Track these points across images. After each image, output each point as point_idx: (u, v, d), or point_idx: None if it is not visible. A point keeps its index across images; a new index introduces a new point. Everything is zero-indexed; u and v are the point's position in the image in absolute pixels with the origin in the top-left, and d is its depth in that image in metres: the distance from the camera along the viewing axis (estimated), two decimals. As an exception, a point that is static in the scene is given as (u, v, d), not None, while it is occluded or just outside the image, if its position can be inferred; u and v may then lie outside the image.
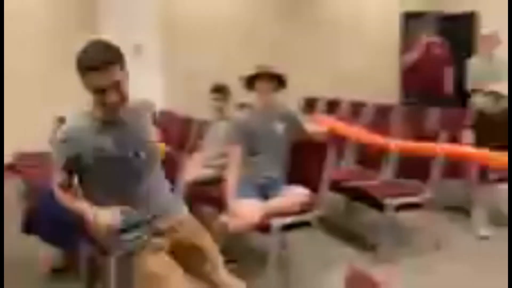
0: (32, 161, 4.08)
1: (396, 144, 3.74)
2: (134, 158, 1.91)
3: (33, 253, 3.22)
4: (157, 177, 2.04)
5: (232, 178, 3.03)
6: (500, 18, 7.21)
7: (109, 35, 5.75)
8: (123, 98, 1.82)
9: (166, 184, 2.12)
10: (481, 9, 7.72)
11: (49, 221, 2.73)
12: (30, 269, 3.18)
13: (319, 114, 5.59)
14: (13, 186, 4.31)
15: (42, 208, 2.78)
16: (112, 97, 1.76)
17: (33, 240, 2.88)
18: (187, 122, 4.77)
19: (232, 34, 7.03)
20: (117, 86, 1.77)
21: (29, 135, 4.63)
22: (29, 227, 2.83)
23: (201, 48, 6.78)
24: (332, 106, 6.24)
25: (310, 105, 6.55)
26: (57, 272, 3.10)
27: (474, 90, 4.78)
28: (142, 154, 1.94)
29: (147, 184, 1.96)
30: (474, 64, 5.11)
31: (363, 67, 7.78)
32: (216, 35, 6.90)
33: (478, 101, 4.27)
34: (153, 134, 2.06)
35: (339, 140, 4.03)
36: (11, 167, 4.40)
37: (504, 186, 3.97)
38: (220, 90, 3.91)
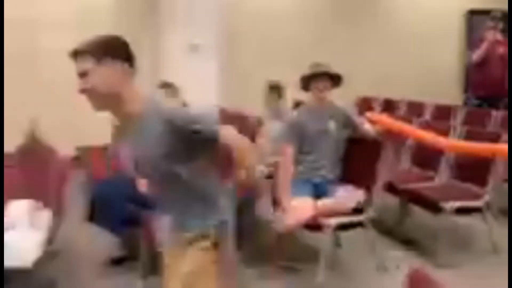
0: (94, 154, 4.28)
1: (454, 144, 3.60)
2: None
3: (94, 242, 3.38)
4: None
5: (284, 177, 3.06)
6: None
7: (169, 34, 5.95)
8: (89, 89, 1.64)
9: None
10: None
11: (108, 211, 2.87)
12: (90, 257, 3.33)
13: (376, 113, 5.49)
14: (76, 177, 4.54)
15: (101, 198, 2.93)
16: (80, 85, 1.67)
17: (96, 230, 3.04)
18: (241, 120, 4.84)
19: (289, 32, 7.05)
20: (84, 76, 1.64)
21: (91, 129, 4.86)
22: (91, 217, 2.99)
23: (259, 47, 6.85)
24: (389, 106, 6.11)
25: (366, 104, 6.44)
26: (116, 261, 3.23)
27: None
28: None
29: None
30: None
31: (422, 65, 7.57)
32: (275, 34, 6.95)
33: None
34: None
35: (395, 140, 3.95)
36: (76, 159, 4.63)
37: None
38: (275, 88, 3.94)
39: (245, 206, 3.58)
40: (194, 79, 5.46)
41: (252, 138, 4.28)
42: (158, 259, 1.96)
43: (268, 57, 6.81)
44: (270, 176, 3.46)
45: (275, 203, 3.07)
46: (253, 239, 3.52)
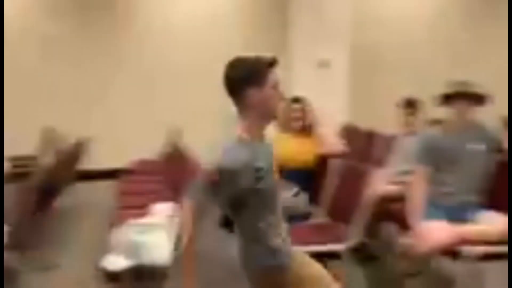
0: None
1: None
2: None
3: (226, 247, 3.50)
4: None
5: (416, 198, 2.90)
6: None
7: (297, 50, 6.05)
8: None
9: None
10: None
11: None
12: (224, 260, 3.44)
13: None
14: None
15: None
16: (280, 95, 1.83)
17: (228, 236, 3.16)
18: (370, 136, 4.74)
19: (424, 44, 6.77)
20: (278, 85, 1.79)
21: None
22: (226, 223, 3.13)
23: (388, 65, 6.69)
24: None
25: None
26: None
27: None
28: None
29: None
30: None
31: None
32: (404, 56, 6.73)
33: None
34: None
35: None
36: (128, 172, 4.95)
37: None
38: (411, 104, 3.79)
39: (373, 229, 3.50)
40: (323, 95, 5.49)
41: (380, 156, 4.16)
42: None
43: (400, 72, 6.60)
44: (398, 198, 3.33)
45: (405, 227, 2.93)
46: (384, 264, 3.42)
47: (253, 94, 1.72)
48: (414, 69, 6.62)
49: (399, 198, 3.33)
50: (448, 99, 2.95)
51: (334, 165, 3.29)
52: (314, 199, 3.34)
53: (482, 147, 2.90)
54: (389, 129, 4.27)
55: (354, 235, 2.81)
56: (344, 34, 5.95)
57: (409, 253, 2.77)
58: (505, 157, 2.96)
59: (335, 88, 5.92)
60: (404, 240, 2.95)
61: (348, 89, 6.02)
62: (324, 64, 5.94)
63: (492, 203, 2.88)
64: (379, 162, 4.16)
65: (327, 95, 5.65)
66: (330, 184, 3.19)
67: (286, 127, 3.65)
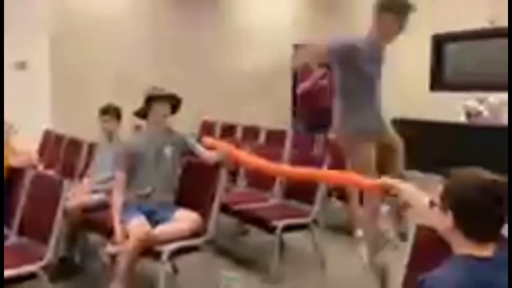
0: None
1: (282, 170, 3.74)
2: None
3: None
4: None
5: (117, 204, 2.94)
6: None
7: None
8: None
9: None
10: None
11: None
12: None
13: (214, 137, 5.64)
14: None
15: None
16: None
17: None
18: (75, 144, 4.56)
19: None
20: None
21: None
22: None
23: (92, 70, 6.54)
24: (228, 130, 6.35)
25: (207, 128, 6.61)
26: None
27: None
28: None
29: None
30: None
31: (260, 93, 8.06)
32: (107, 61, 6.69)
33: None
34: None
35: (231, 163, 4.09)
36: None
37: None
38: (109, 111, 3.79)
39: (74, 240, 3.36)
40: (23, 99, 5.01)
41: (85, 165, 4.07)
42: None
43: (103, 78, 6.53)
44: (99, 206, 3.32)
45: (109, 235, 2.94)
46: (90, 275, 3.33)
47: None
48: (117, 74, 6.63)
49: (101, 207, 3.31)
50: (146, 104, 3.07)
51: (27, 177, 3.01)
52: (6, 218, 2.98)
53: (173, 149, 3.13)
54: (93, 136, 4.19)
55: (52, 250, 2.64)
56: (42, 35, 5.56)
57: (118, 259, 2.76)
58: (197, 158, 3.27)
59: (35, 92, 5.48)
60: (109, 249, 2.93)
61: (50, 94, 5.64)
62: (20, 66, 5.43)
63: (183, 201, 3.15)
64: (83, 171, 4.06)
65: (28, 100, 5.19)
66: (21, 199, 2.91)
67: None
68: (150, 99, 3.08)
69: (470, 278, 1.34)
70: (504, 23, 6.63)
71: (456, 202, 1.42)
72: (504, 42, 6.70)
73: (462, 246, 1.42)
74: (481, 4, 6.93)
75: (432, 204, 1.51)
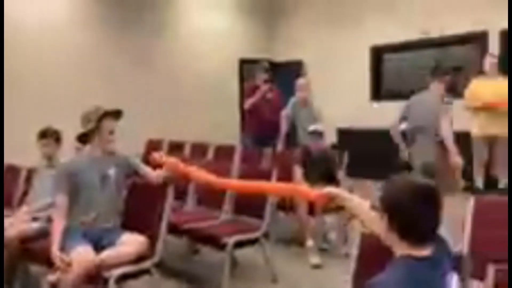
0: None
1: (231, 185, 3.71)
2: None
3: None
4: None
5: (58, 231, 2.80)
6: (319, 65, 8.36)
7: None
8: None
9: None
10: (304, 58, 8.70)
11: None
12: None
13: (161, 155, 5.53)
14: None
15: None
16: None
17: None
18: (12, 171, 4.32)
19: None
20: None
21: None
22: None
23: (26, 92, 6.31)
24: (176, 148, 6.25)
25: (153, 146, 6.47)
26: None
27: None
28: None
29: None
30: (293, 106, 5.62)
31: (206, 109, 8.05)
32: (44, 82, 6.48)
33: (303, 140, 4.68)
34: None
35: (179, 182, 4.01)
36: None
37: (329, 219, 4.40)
38: (48, 135, 3.62)
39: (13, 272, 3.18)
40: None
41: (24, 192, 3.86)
42: None
43: (42, 99, 6.31)
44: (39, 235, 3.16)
45: (49, 264, 2.79)
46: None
47: None
48: (55, 96, 6.44)
49: (42, 235, 3.15)
50: (96, 124, 2.93)
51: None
52: None
53: (116, 171, 3.02)
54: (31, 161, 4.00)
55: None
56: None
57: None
58: (142, 179, 3.18)
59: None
60: (49, 277, 2.78)
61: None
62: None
63: (129, 224, 3.05)
64: (22, 198, 3.86)
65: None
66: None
67: None
68: (101, 118, 2.93)
69: (410, 278, 1.40)
70: (436, 34, 7.05)
71: (389, 206, 1.48)
72: (437, 51, 7.25)
73: (400, 248, 1.48)
74: (416, 18, 7.32)
75: (373, 208, 1.57)
